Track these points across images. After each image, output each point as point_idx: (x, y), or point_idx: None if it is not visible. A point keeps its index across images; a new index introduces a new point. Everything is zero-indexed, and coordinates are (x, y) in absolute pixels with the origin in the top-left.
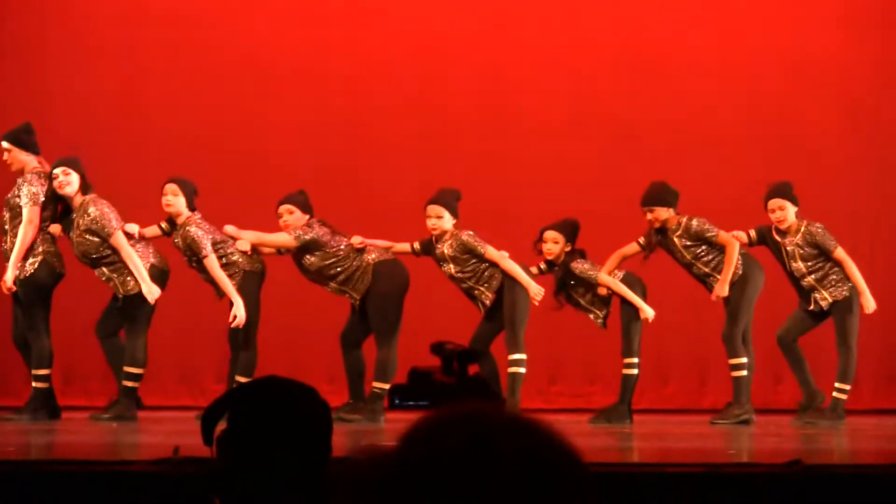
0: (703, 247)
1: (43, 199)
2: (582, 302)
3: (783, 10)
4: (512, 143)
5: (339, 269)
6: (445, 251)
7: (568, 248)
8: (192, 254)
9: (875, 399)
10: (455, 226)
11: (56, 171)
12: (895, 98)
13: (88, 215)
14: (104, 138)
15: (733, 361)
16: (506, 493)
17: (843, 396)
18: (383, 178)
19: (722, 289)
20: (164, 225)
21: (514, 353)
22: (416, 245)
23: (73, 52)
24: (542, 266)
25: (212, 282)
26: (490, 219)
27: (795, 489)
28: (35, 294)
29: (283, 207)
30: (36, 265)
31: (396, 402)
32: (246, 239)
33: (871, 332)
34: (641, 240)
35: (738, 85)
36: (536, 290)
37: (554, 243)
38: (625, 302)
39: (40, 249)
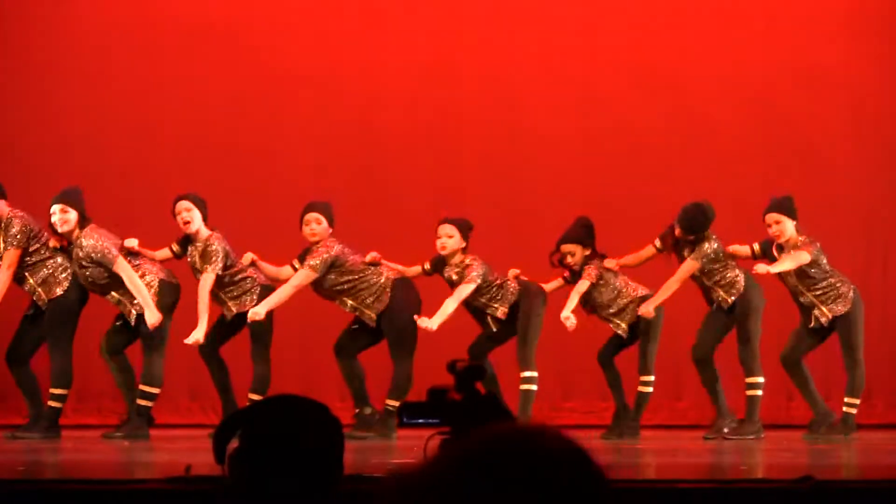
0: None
1: (24, 238)
2: (603, 315)
3: (791, 21)
4: (523, 153)
5: (354, 286)
6: (454, 277)
7: (587, 252)
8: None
9: (887, 413)
10: (463, 251)
11: (53, 208)
12: None
13: (85, 248)
14: (116, 152)
15: (750, 380)
16: None
17: (854, 411)
18: (396, 191)
19: (647, 308)
20: (175, 248)
21: (525, 370)
22: (427, 265)
23: (84, 67)
24: (567, 276)
25: (218, 298)
26: (502, 230)
27: None
28: (65, 313)
29: (312, 216)
30: (67, 286)
31: (404, 419)
32: (268, 305)
33: (883, 346)
34: (657, 242)
35: (748, 95)
36: (424, 322)
37: (571, 255)
38: (643, 321)
39: (66, 264)
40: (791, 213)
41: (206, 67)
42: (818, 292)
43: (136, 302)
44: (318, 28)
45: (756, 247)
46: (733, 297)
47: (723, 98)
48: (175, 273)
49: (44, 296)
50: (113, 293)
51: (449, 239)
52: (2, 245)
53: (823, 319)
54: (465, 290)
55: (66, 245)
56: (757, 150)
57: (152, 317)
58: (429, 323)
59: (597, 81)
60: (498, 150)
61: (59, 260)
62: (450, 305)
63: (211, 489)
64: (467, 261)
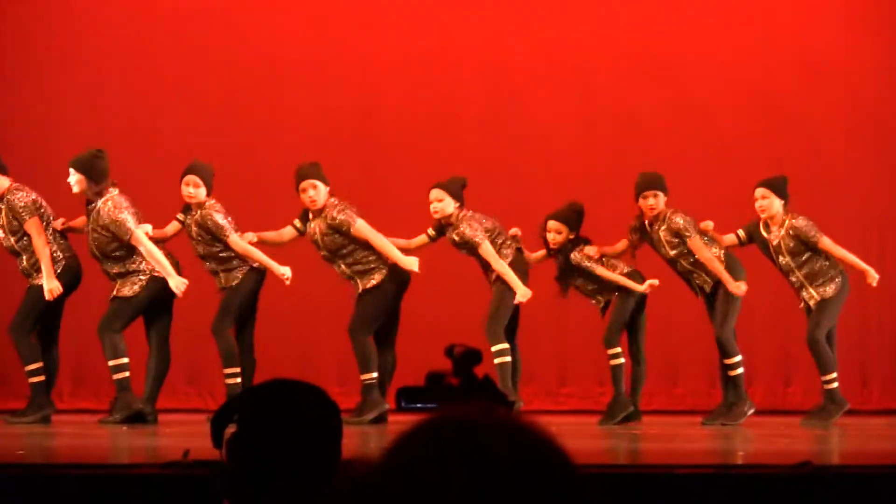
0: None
1: (37, 206)
2: (583, 289)
3: (790, 10)
4: (520, 137)
5: (355, 253)
6: (455, 238)
7: (571, 237)
8: (210, 238)
9: (884, 399)
10: (458, 209)
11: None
12: None
13: (104, 217)
14: (113, 138)
15: (729, 361)
16: (494, 496)
17: (834, 385)
18: (393, 175)
19: (736, 287)
20: (181, 217)
21: (495, 343)
22: (431, 231)
23: (80, 54)
24: (546, 252)
25: (216, 272)
26: (499, 213)
27: (805, 490)
28: (45, 302)
29: (308, 183)
30: (59, 271)
31: (402, 404)
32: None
33: (880, 333)
34: (630, 236)
35: (745, 84)
36: (523, 293)
37: (557, 233)
38: (620, 297)
39: (61, 256)
40: (781, 193)
41: (205, 52)
42: (808, 272)
43: (125, 284)
44: (317, 13)
45: (741, 233)
46: (715, 279)
47: (722, 87)
48: (177, 262)
49: (35, 281)
50: (109, 266)
51: (439, 203)
52: (11, 222)
53: (812, 302)
54: (488, 253)
55: (78, 226)
56: (755, 139)
57: (175, 282)
58: (521, 296)
59: (596, 70)
60: (497, 137)
61: (55, 248)
62: (502, 268)
63: (209, 474)
64: (461, 226)
